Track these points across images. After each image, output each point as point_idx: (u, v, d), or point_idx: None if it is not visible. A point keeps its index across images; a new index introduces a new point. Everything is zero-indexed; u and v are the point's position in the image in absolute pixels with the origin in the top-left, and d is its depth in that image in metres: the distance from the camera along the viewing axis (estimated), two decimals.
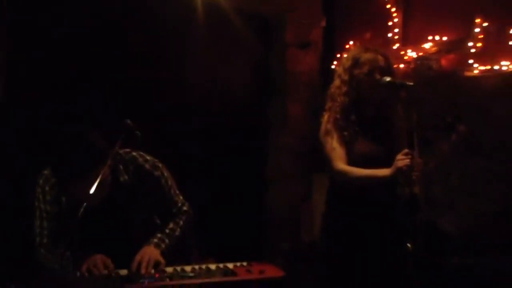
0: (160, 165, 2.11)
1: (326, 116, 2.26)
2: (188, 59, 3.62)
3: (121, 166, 2.01)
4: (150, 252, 1.96)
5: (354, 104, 2.22)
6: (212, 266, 2.01)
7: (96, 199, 1.74)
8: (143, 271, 1.88)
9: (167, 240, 2.06)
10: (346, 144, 2.20)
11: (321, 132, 2.25)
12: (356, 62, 2.25)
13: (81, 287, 1.70)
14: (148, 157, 2.09)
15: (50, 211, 1.98)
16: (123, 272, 1.89)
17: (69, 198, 1.95)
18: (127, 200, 2.01)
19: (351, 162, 2.18)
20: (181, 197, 2.20)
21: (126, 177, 2.01)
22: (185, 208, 2.19)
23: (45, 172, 2.00)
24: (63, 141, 1.80)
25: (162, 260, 1.97)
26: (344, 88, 2.24)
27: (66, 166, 1.77)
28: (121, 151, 2.02)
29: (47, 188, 1.98)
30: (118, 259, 1.93)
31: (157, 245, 2.02)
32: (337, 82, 2.29)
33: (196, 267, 1.99)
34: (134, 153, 2.07)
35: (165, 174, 2.12)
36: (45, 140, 1.88)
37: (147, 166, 2.06)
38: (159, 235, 2.07)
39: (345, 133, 2.19)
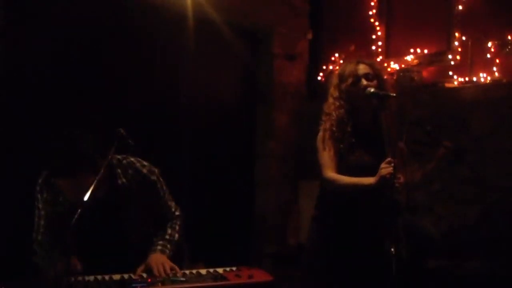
0: (156, 170, 2.17)
1: (322, 127, 2.33)
2: (180, 70, 3.69)
3: (119, 170, 2.06)
4: (161, 258, 2.02)
5: (350, 115, 2.29)
6: (203, 271, 2.05)
7: (90, 200, 1.78)
8: (162, 274, 1.93)
9: (169, 246, 2.11)
10: (341, 155, 2.27)
11: (318, 139, 2.32)
12: (341, 77, 2.34)
13: None
14: (144, 163, 2.15)
15: (47, 209, 2.02)
16: (116, 277, 1.92)
17: (65, 198, 1.99)
18: (124, 202, 2.06)
19: (346, 172, 2.25)
20: (173, 203, 2.26)
21: (124, 180, 2.06)
22: (177, 212, 2.25)
23: (45, 172, 2.05)
24: (55, 141, 1.88)
25: (174, 265, 2.02)
26: (337, 103, 2.31)
27: (52, 164, 1.86)
28: (119, 156, 2.08)
29: (45, 187, 2.02)
30: (113, 263, 1.97)
31: (162, 252, 2.07)
32: (330, 99, 2.37)
33: (187, 272, 2.02)
34: (132, 159, 2.12)
35: (160, 179, 2.18)
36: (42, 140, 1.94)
37: (144, 170, 2.12)
38: (161, 242, 2.12)
39: (341, 145, 2.26)
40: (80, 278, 1.86)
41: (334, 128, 2.27)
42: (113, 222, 2.04)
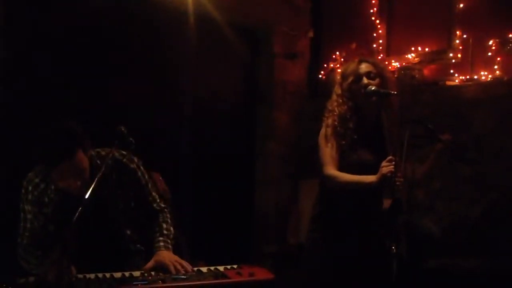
0: (135, 159, 2.17)
1: (325, 122, 2.34)
2: (180, 69, 3.69)
3: (98, 161, 2.06)
4: (170, 255, 2.04)
5: (353, 112, 2.29)
6: (203, 269, 2.05)
7: (82, 190, 1.80)
8: (182, 271, 1.95)
9: (169, 241, 2.14)
10: (343, 152, 2.27)
11: (320, 135, 2.33)
12: (343, 76, 2.35)
13: None
14: (124, 152, 2.14)
15: (31, 211, 2.03)
16: (117, 274, 1.92)
17: (58, 193, 2.00)
18: (107, 192, 2.06)
19: (347, 169, 2.25)
20: (158, 194, 2.26)
21: (103, 170, 2.06)
22: (163, 204, 2.25)
23: (30, 174, 2.07)
24: (42, 131, 1.91)
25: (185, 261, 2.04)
26: (340, 100, 2.32)
27: (48, 150, 1.87)
28: (98, 149, 2.09)
29: (30, 189, 2.03)
30: (108, 260, 1.98)
31: (166, 248, 2.09)
32: (333, 97, 2.38)
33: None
34: (111, 149, 2.12)
35: (141, 168, 2.18)
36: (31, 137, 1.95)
37: (124, 160, 2.13)
38: (161, 238, 2.13)
39: (343, 142, 2.26)
40: (81, 276, 1.86)
41: (336, 123, 2.28)
42: (101, 215, 2.05)
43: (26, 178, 2.06)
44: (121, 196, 2.11)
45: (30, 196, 2.02)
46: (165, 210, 2.23)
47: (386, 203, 2.17)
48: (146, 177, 2.19)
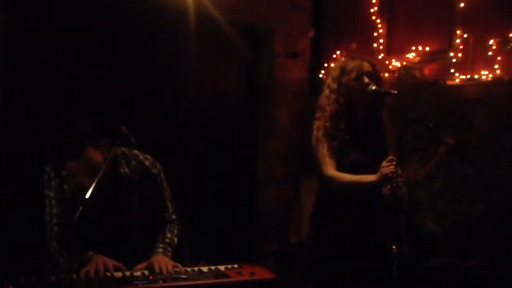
0: (158, 165, 2.20)
1: (316, 125, 2.32)
2: (181, 69, 3.69)
3: (123, 160, 2.09)
4: (163, 259, 2.05)
5: (344, 111, 2.26)
6: (204, 269, 2.06)
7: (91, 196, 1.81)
8: (164, 271, 1.95)
9: (169, 249, 2.15)
10: (336, 153, 2.27)
11: (313, 139, 2.31)
12: (343, 70, 2.31)
13: None
14: (148, 156, 2.18)
15: (55, 197, 2.04)
16: (118, 274, 1.93)
17: (69, 187, 2.02)
18: (125, 192, 2.08)
19: (341, 170, 2.25)
20: (173, 205, 2.27)
21: (126, 170, 2.09)
22: (174, 216, 2.26)
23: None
24: (50, 127, 1.93)
25: (176, 264, 2.04)
26: (333, 96, 2.28)
27: (54, 148, 1.89)
28: (124, 148, 2.11)
29: (52, 175, 2.05)
30: (114, 257, 1.98)
31: (164, 254, 2.10)
32: (326, 92, 2.33)
33: (188, 269, 2.04)
34: (136, 151, 2.15)
35: (162, 174, 2.20)
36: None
37: (147, 163, 2.16)
38: (161, 245, 2.15)
39: (335, 143, 2.26)
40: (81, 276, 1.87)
41: (327, 124, 2.26)
42: (113, 213, 2.06)
43: (48, 164, 2.06)
44: (138, 198, 2.12)
45: (53, 183, 2.04)
46: (175, 222, 2.24)
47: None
48: (165, 184, 2.21)
